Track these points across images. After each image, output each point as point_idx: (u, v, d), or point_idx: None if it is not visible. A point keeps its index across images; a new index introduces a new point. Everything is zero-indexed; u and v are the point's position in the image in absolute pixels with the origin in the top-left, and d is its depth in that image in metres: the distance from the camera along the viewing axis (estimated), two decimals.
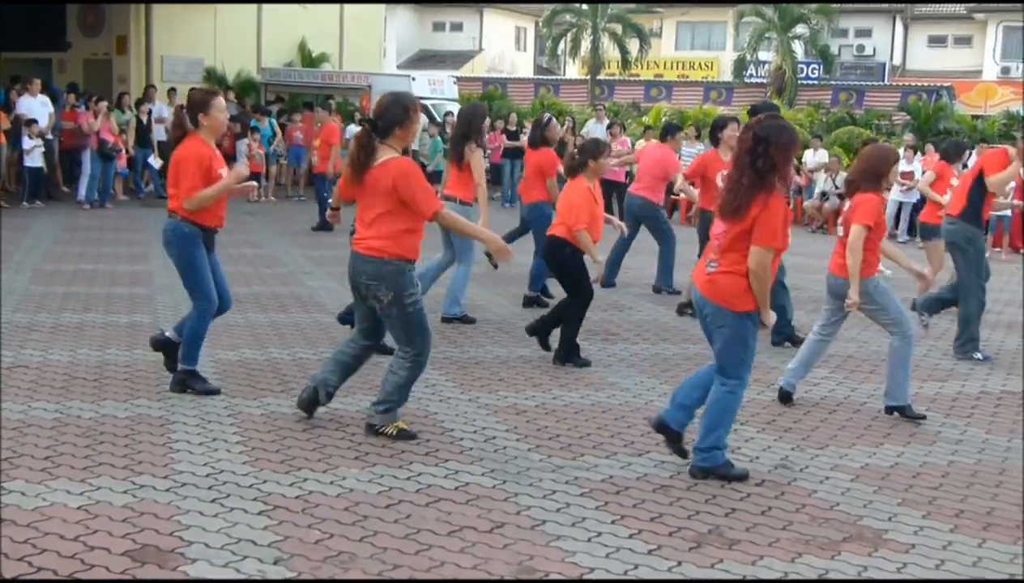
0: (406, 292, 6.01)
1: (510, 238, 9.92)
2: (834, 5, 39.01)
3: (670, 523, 5.01)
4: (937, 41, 46.83)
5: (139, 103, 19.90)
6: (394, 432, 6.09)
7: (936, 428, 6.93)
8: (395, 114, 6.02)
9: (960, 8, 45.70)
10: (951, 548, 4.89)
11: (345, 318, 8.43)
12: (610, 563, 4.53)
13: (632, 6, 43.82)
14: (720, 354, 5.64)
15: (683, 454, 5.80)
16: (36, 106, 18.34)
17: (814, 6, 37.53)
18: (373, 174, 5.97)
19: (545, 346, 8.37)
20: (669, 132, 12.47)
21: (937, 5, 47.13)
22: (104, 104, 18.76)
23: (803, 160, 21.31)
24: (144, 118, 19.65)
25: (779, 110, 9.51)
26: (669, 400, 5.96)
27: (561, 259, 8.24)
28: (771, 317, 5.61)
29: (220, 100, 6.98)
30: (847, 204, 7.20)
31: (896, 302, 7.15)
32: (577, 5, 42.05)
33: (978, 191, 9.13)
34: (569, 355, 8.18)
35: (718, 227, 5.64)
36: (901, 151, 20.54)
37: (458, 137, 9.41)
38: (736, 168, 5.57)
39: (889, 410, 7.15)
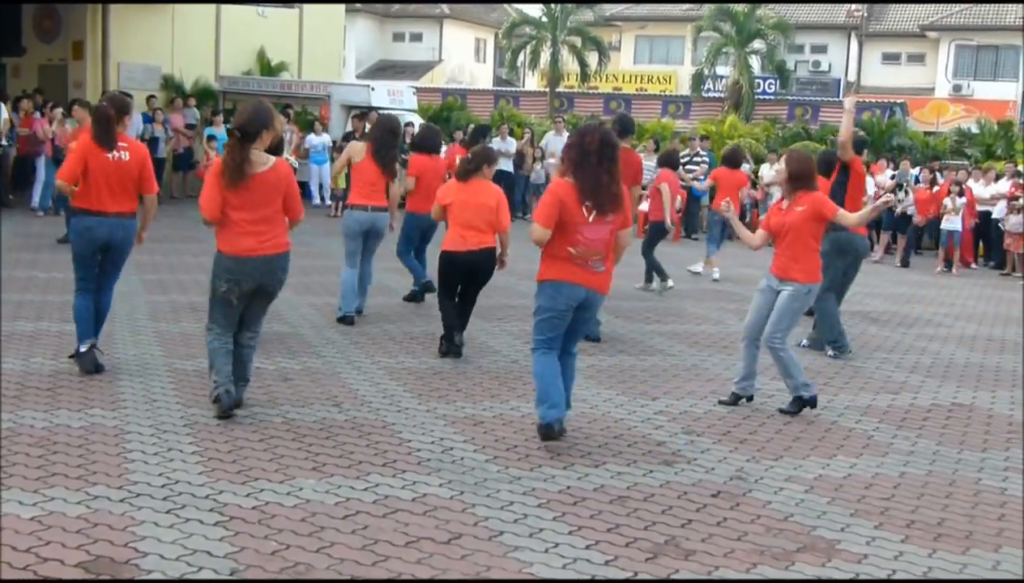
0: None
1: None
2: (790, 21, 39.46)
3: (627, 534, 5.04)
4: (891, 58, 47.51)
5: None
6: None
7: (888, 440, 7.02)
8: (263, 119, 6.43)
9: (913, 26, 46.37)
10: (903, 558, 4.96)
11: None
12: (567, 574, 4.55)
13: (591, 19, 44.04)
14: (582, 330, 6.65)
15: None
16: None
17: (771, 21, 37.90)
18: (263, 177, 6.42)
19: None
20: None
21: (891, 23, 47.82)
22: (59, 110, 18.54)
23: (759, 174, 21.51)
24: None
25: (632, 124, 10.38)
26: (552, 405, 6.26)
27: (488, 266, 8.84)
28: None
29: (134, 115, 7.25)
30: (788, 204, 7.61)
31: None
32: (537, 17, 42.21)
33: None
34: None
35: (593, 232, 6.15)
36: None
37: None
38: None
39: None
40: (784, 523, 5.32)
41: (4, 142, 18.24)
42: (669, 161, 14.07)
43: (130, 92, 21.59)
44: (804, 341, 9.86)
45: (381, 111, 23.45)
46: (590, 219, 6.10)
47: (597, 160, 6.14)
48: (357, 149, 10.07)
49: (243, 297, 6.55)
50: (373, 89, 24.47)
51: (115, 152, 7.31)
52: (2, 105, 18.29)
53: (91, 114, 7.52)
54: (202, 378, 7.52)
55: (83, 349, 7.45)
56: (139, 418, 6.45)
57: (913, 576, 4.78)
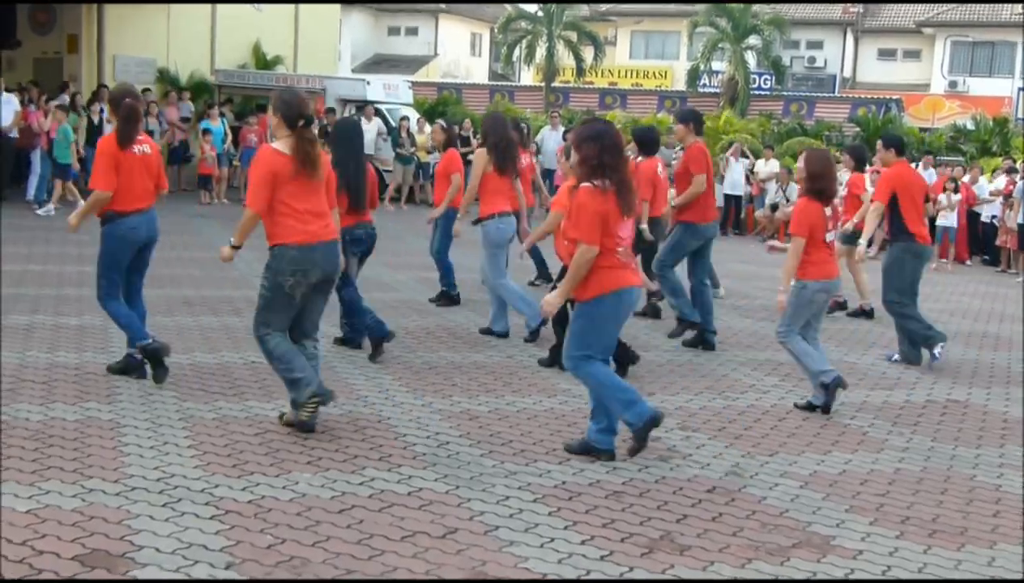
0: None
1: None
2: (786, 17, 39.48)
3: (622, 529, 5.04)
4: (887, 54, 47.53)
5: (90, 102, 19.67)
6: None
7: (883, 436, 7.03)
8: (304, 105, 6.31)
9: (909, 22, 46.41)
10: (897, 554, 4.97)
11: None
12: (562, 569, 4.55)
13: (587, 13, 44.04)
14: None
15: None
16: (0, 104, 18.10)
17: (767, 17, 37.93)
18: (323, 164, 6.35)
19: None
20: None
21: (887, 19, 47.85)
22: (54, 103, 18.52)
23: (754, 170, 21.53)
24: (96, 118, 19.42)
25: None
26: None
27: None
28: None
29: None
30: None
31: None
32: (532, 12, 42.20)
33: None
34: None
35: (626, 230, 5.93)
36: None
37: None
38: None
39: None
40: (779, 519, 5.33)
41: (14, 134, 18.22)
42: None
43: (281, 89, 21.59)
44: (895, 356, 9.64)
45: (382, 108, 23.54)
46: (624, 217, 5.90)
47: (621, 165, 5.90)
48: (485, 158, 9.41)
49: (308, 291, 6.24)
50: (369, 83, 24.46)
51: (138, 146, 7.20)
52: (13, 96, 18.26)
53: (117, 110, 7.17)
54: (196, 371, 7.54)
55: (150, 341, 7.18)
56: (135, 412, 6.44)
57: (908, 573, 4.79)
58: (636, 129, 11.83)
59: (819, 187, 7.44)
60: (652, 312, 10.80)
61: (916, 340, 9.47)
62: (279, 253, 6.15)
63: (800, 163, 7.82)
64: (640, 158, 10.40)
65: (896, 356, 9.58)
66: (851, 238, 11.48)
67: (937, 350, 9.34)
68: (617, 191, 5.82)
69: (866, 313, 11.89)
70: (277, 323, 6.23)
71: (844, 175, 12.53)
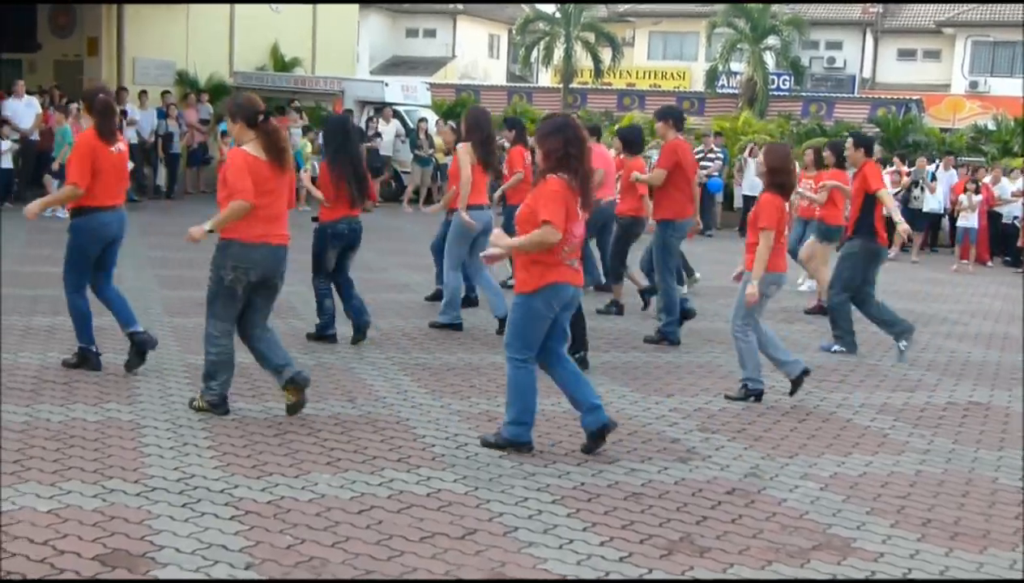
0: None
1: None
2: (805, 17, 39.35)
3: (641, 530, 5.03)
4: (907, 54, 47.29)
5: None
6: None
7: (904, 438, 6.99)
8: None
9: (929, 22, 46.18)
10: (919, 557, 4.94)
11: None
12: (581, 570, 4.54)
13: (605, 14, 43.99)
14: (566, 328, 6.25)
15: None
16: (21, 108, 18.23)
17: (785, 17, 37.79)
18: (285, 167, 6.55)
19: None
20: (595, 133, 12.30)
21: (907, 19, 47.63)
22: (75, 106, 18.60)
23: None
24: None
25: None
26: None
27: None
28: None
29: None
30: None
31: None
32: (550, 13, 42.17)
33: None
34: None
35: (579, 228, 5.99)
36: None
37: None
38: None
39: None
40: (799, 521, 5.30)
41: (35, 136, 18.33)
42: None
43: (145, 88, 21.75)
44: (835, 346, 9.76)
45: (397, 107, 23.57)
46: (580, 215, 5.99)
47: (584, 155, 5.99)
48: (471, 152, 9.55)
49: (248, 288, 6.47)
50: (387, 85, 24.52)
51: (116, 145, 7.30)
52: (35, 99, 18.38)
53: (92, 107, 7.27)
54: None
55: (139, 329, 7.45)
56: (155, 413, 6.47)
57: (929, 575, 4.76)
58: (621, 129, 11.96)
59: (779, 181, 7.61)
60: (616, 310, 10.90)
61: (846, 327, 9.77)
62: (224, 246, 6.40)
63: (760, 157, 7.94)
64: (624, 155, 10.65)
65: (836, 346, 9.73)
66: (829, 234, 11.57)
67: (836, 347, 9.70)
68: (580, 183, 5.94)
69: (825, 311, 11.70)
70: (223, 315, 6.45)
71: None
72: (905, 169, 20.30)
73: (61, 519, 4.72)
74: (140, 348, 7.43)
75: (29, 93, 18.60)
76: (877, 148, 22.32)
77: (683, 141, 9.93)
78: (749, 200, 21.03)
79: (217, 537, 4.62)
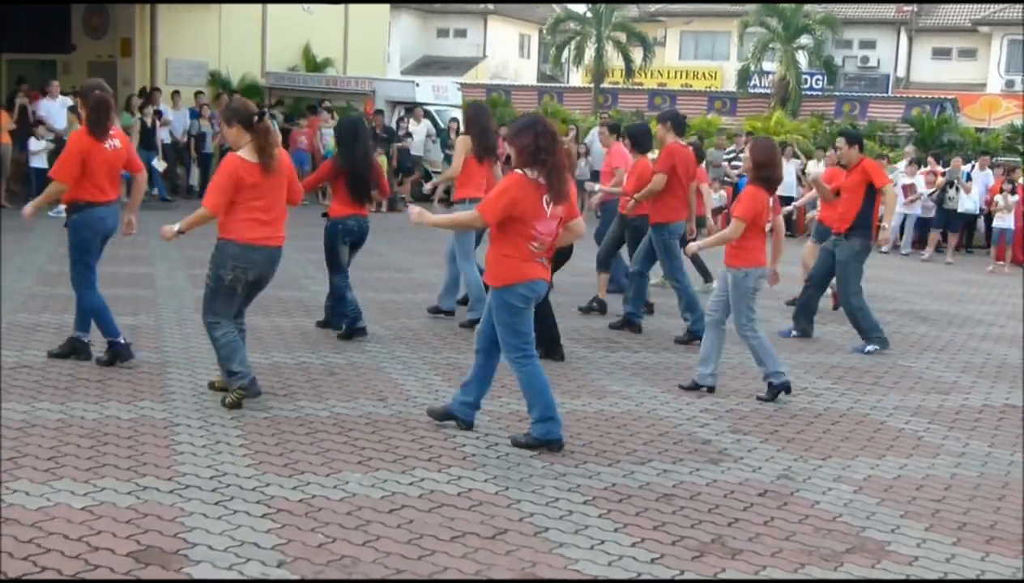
0: None
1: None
2: (838, 16, 39.08)
3: (673, 532, 5.01)
4: (941, 53, 46.87)
5: (142, 106, 19.93)
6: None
7: (939, 441, 6.93)
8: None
9: (965, 21, 45.76)
10: (954, 561, 4.89)
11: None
12: (612, 571, 4.52)
13: (636, 14, 43.87)
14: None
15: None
16: (55, 108, 18.40)
17: (819, 16, 37.56)
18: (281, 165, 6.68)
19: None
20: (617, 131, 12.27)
21: (942, 17, 47.22)
22: None
23: (806, 171, 21.30)
24: (149, 121, 19.66)
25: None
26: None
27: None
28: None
29: None
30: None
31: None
32: (581, 13, 42.11)
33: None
34: None
35: (546, 227, 6.06)
36: (903, 164, 20.59)
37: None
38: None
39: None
40: (833, 523, 5.26)
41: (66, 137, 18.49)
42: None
43: (178, 88, 21.91)
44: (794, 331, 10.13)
45: (427, 106, 23.61)
46: (548, 212, 6.05)
47: (556, 149, 6.07)
48: (467, 144, 9.68)
49: (247, 286, 6.73)
50: (418, 85, 24.57)
51: (110, 142, 7.40)
52: (68, 99, 18.54)
53: (87, 102, 7.41)
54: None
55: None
56: (187, 411, 6.50)
57: (965, 578, 4.71)
58: (630, 126, 11.93)
59: (765, 175, 7.65)
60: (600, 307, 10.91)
61: (809, 318, 10.09)
62: (223, 246, 6.58)
63: (746, 152, 7.94)
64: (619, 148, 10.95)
65: (870, 347, 9.71)
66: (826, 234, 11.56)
67: (870, 347, 9.66)
68: (548, 176, 5.98)
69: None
70: (223, 311, 6.66)
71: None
72: (940, 169, 20.13)
73: (95, 516, 4.75)
74: (70, 351, 7.64)
75: (63, 93, 18.75)
76: (911, 148, 22.25)
77: (681, 145, 10.03)
78: (783, 201, 20.93)
79: (249, 535, 4.64)
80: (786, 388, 7.65)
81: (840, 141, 10.11)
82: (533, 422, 6.18)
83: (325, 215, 9.22)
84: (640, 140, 10.64)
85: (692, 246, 8.25)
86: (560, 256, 8.73)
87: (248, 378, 6.60)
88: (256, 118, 6.56)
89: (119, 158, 7.49)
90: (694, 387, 7.78)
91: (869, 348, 9.61)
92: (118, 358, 7.51)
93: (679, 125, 10.01)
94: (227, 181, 6.47)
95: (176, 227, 6.64)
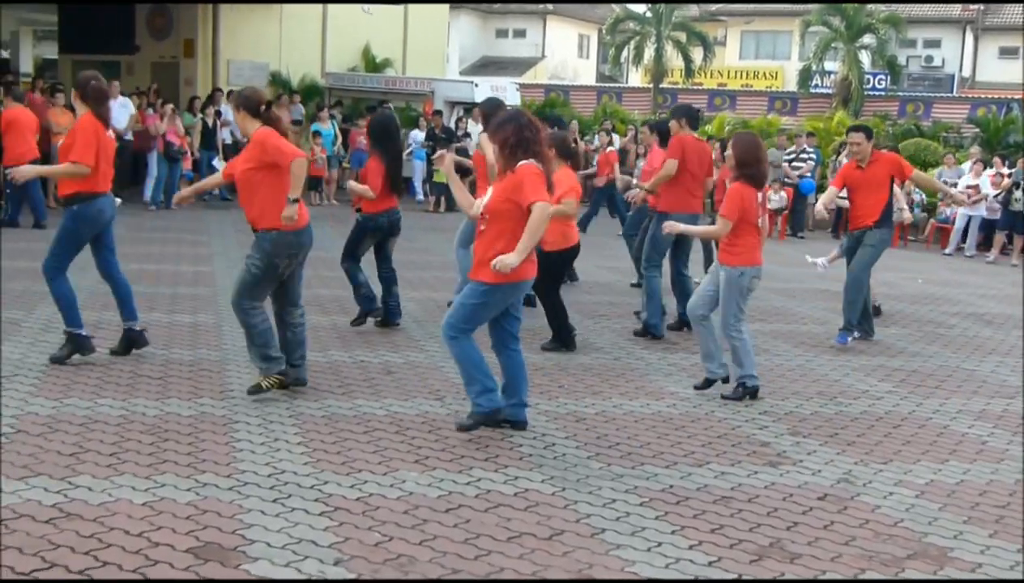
0: None
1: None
2: (902, 15, 38.52)
3: (731, 535, 4.96)
4: (1008, 53, 45.97)
5: (204, 106, 20.18)
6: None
7: (1004, 446, 6.80)
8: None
9: None
10: (1018, 568, 4.79)
11: None
12: (669, 574, 4.49)
13: (696, 14, 43.61)
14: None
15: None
16: (116, 108, 18.65)
17: (882, 15, 37.04)
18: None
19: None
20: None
21: (1008, 16, 46.34)
22: (170, 106, 19.03)
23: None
24: (210, 121, 19.91)
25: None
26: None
27: None
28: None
29: None
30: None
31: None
32: (641, 13, 41.94)
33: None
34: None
35: None
36: (968, 165, 20.26)
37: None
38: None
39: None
40: (894, 529, 5.18)
41: (129, 136, 18.78)
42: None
43: (239, 89, 22.16)
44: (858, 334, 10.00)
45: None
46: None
47: (540, 140, 6.16)
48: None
49: (293, 263, 6.88)
50: (476, 85, 24.61)
51: (108, 131, 7.49)
52: (129, 100, 18.82)
53: (85, 94, 7.37)
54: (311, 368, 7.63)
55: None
56: (246, 409, 6.56)
57: None
58: (657, 122, 11.86)
59: (748, 172, 7.49)
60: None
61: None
62: (277, 237, 6.68)
63: (729, 150, 7.81)
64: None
65: (857, 334, 9.84)
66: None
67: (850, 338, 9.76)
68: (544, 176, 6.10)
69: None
70: (262, 297, 6.85)
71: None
72: (1006, 170, 19.76)
73: (156, 512, 4.81)
74: (128, 344, 7.75)
75: (125, 94, 19.03)
76: (976, 149, 21.86)
77: (692, 137, 9.91)
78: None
79: (307, 532, 4.67)
80: (754, 392, 7.57)
81: (858, 136, 9.72)
82: (476, 395, 6.25)
83: (359, 210, 9.37)
84: (666, 136, 10.62)
85: (676, 226, 8.06)
86: (569, 255, 8.92)
87: (283, 363, 6.79)
88: (264, 107, 6.75)
89: (114, 149, 7.60)
90: (707, 385, 7.69)
91: (850, 339, 9.75)
92: (80, 350, 7.44)
93: (692, 119, 9.99)
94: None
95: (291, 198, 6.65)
